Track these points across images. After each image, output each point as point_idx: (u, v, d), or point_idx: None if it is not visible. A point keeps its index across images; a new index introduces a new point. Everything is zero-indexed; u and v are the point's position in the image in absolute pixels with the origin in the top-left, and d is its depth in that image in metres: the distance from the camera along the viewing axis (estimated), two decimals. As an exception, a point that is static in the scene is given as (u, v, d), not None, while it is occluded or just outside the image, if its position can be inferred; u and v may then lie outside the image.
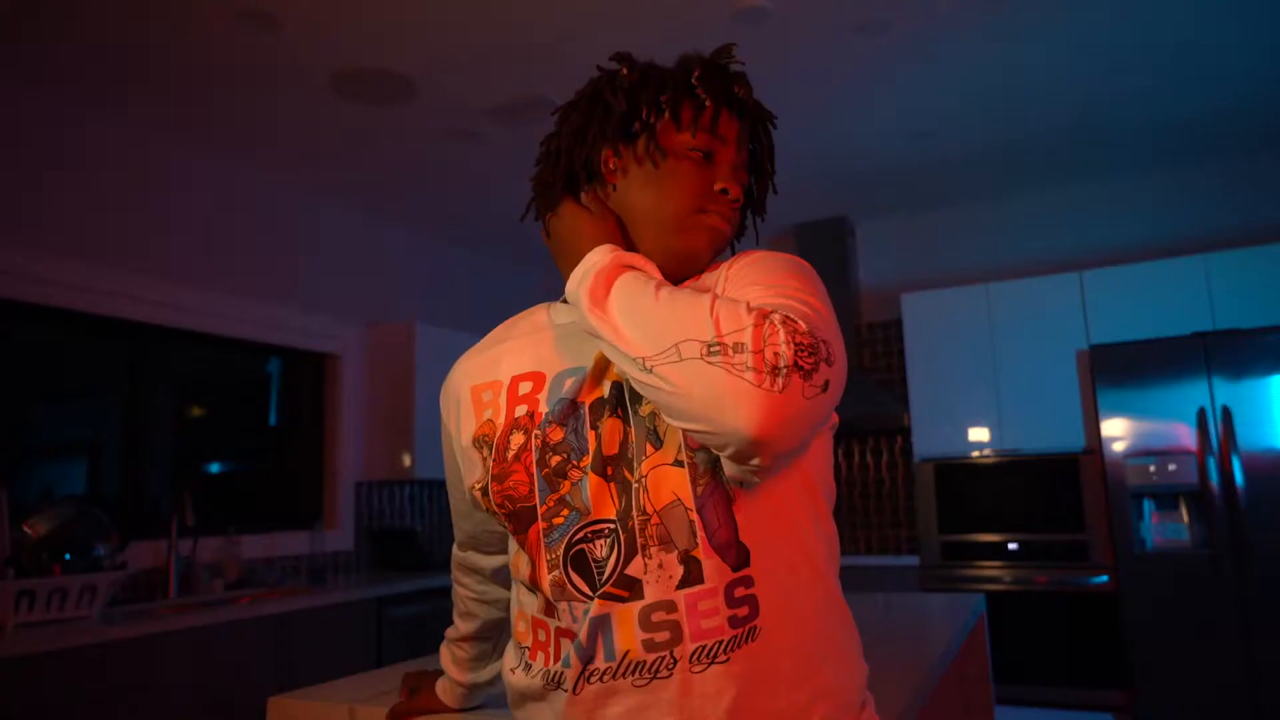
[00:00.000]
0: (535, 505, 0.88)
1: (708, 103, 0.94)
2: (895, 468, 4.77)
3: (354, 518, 4.26)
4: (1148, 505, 3.76)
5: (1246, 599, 3.45)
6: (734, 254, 0.94)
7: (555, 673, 0.85)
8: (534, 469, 0.89)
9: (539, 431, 0.89)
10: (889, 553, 4.57)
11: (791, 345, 0.73)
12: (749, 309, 0.76)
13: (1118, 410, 3.79)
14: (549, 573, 0.87)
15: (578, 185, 0.97)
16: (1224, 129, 3.88)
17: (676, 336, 0.75)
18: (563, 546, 0.86)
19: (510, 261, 5.59)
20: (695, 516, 0.81)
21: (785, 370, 0.73)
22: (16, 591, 2.49)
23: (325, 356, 4.31)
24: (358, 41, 2.86)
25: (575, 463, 0.86)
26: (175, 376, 3.72)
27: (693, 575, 0.80)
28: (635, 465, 0.83)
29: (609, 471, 0.84)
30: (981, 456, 4.17)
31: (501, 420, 0.93)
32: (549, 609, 0.87)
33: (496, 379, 0.96)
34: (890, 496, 4.76)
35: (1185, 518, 3.69)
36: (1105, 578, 3.82)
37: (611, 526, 0.83)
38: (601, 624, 0.82)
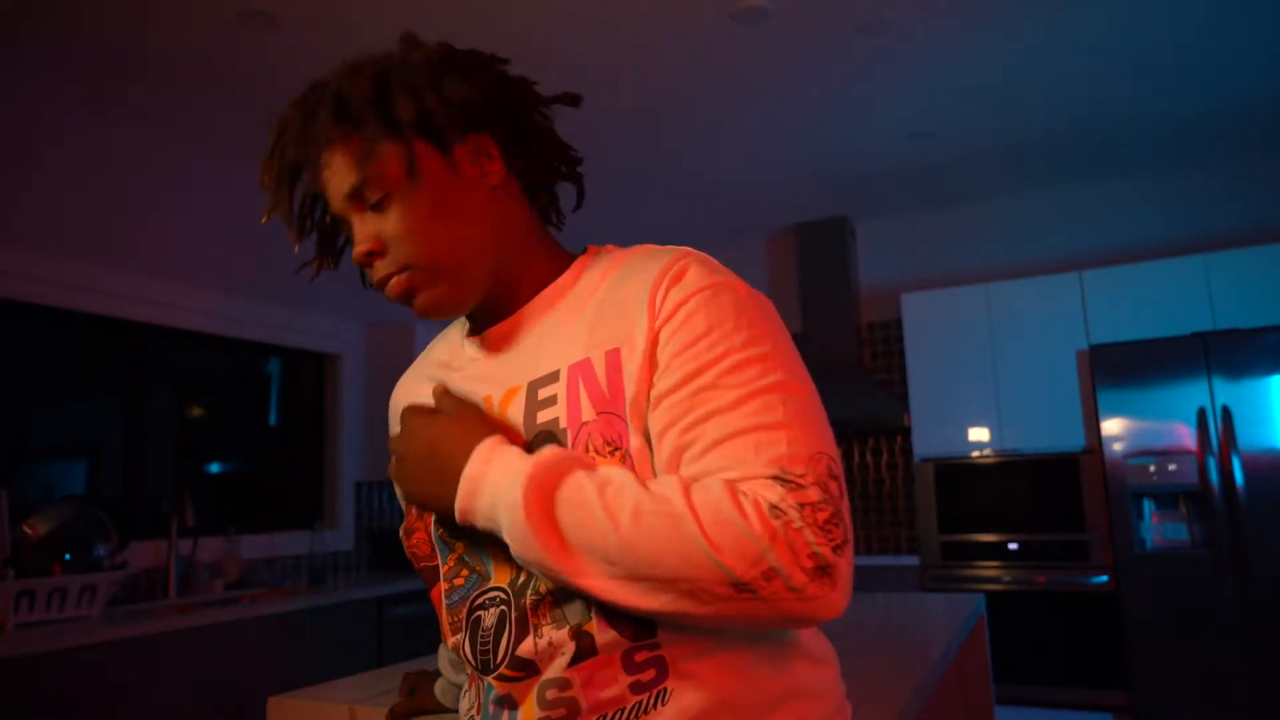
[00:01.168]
0: (437, 566, 0.83)
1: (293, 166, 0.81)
2: (895, 467, 4.77)
3: (354, 518, 4.26)
4: (1148, 505, 3.76)
5: (1246, 599, 3.45)
6: (667, 268, 0.77)
7: None
8: (431, 528, 0.83)
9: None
10: (889, 553, 4.57)
11: (823, 535, 0.65)
12: (747, 511, 0.64)
13: (1118, 410, 3.79)
14: (453, 635, 0.82)
15: None
16: (1224, 129, 3.88)
17: (684, 584, 0.65)
18: (464, 610, 0.80)
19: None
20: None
21: (828, 567, 0.65)
22: (17, 591, 2.49)
23: (325, 357, 4.31)
24: (356, 43, 2.86)
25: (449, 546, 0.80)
26: (176, 377, 3.73)
27: (585, 650, 0.73)
28: (521, 581, 0.76)
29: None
30: (981, 456, 4.17)
31: None
32: None
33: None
34: (890, 496, 4.77)
35: (1185, 518, 3.69)
36: (1105, 578, 3.82)
37: (504, 595, 0.76)
38: (505, 701, 0.77)
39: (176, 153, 3.57)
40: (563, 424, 0.75)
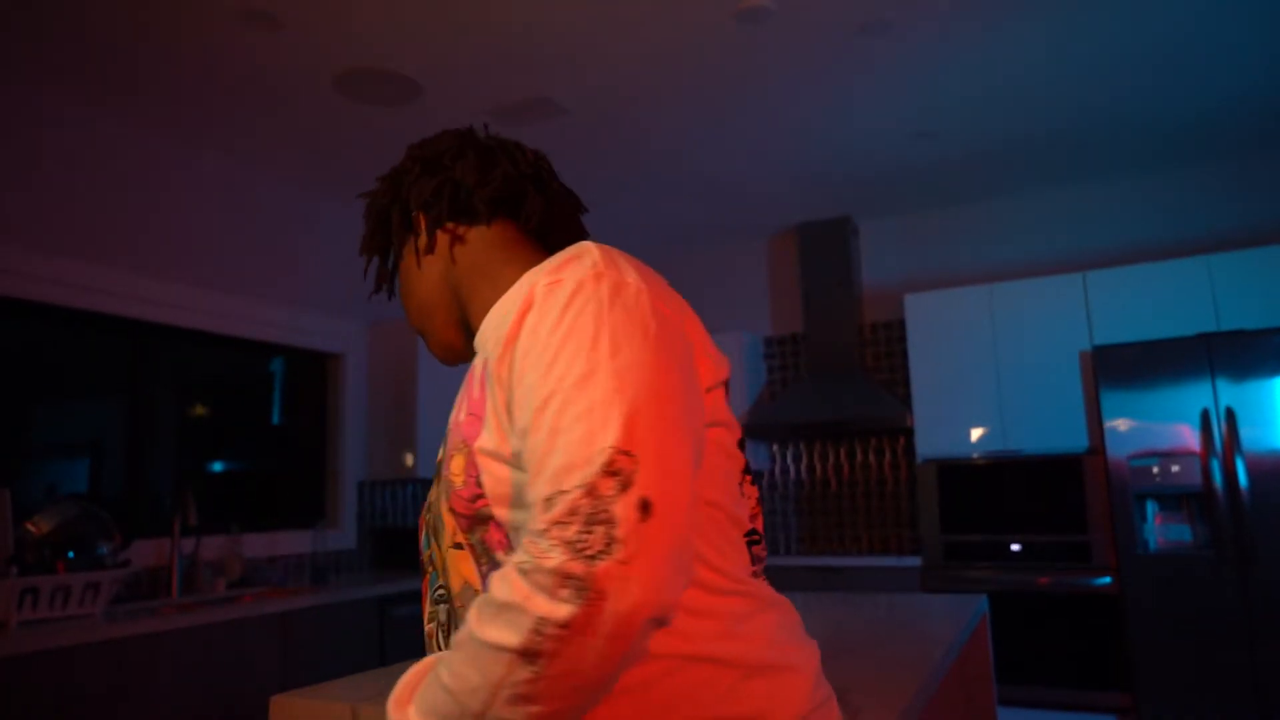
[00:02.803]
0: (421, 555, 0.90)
1: None
2: (898, 468, 4.77)
3: (356, 517, 4.27)
4: (1151, 506, 3.76)
5: (1250, 601, 3.45)
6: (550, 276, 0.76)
7: None
8: (422, 523, 0.90)
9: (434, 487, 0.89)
10: (891, 553, 4.57)
11: (570, 552, 0.60)
12: (501, 590, 0.63)
13: (1121, 411, 3.78)
14: (427, 624, 0.87)
15: None
16: (1228, 129, 3.87)
17: (495, 689, 0.63)
18: (428, 602, 0.87)
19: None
20: (482, 590, 0.74)
21: (581, 580, 0.60)
22: (20, 589, 2.49)
23: (328, 356, 4.32)
24: (360, 42, 2.86)
25: (432, 523, 0.86)
26: (178, 375, 3.73)
27: None
28: (441, 542, 0.81)
29: (442, 542, 0.83)
30: (984, 457, 4.16)
31: None
32: None
33: None
34: (893, 497, 4.76)
35: (1189, 519, 3.68)
36: (1108, 579, 3.82)
37: (445, 594, 0.82)
38: None
39: (180, 152, 3.57)
40: (451, 424, 0.83)
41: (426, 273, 0.94)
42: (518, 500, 0.73)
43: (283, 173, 3.95)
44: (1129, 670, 3.69)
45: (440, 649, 0.84)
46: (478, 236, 0.93)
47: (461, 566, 0.77)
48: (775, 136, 3.77)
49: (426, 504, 0.87)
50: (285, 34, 2.79)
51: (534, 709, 0.62)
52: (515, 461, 0.72)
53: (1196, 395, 3.65)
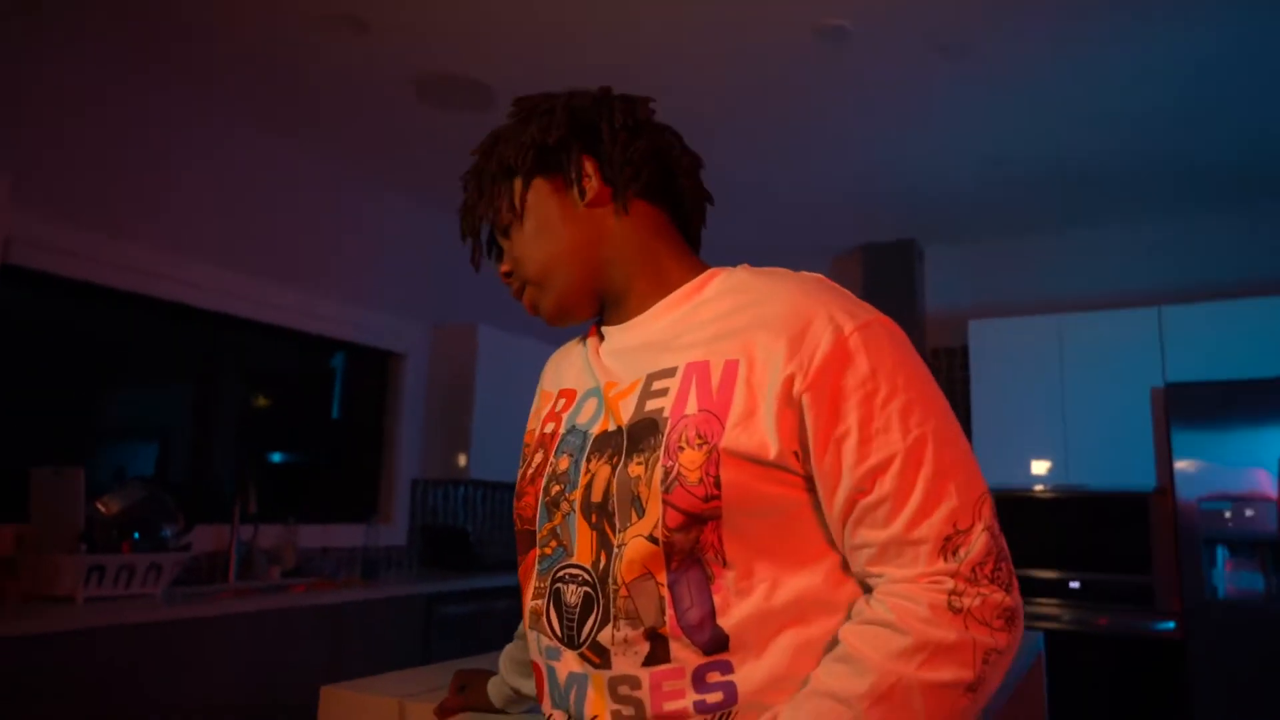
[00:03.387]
0: (535, 531, 0.87)
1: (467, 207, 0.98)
2: (954, 497, 4.66)
3: (408, 514, 4.33)
4: (1221, 552, 3.60)
5: (1325, 658, 3.28)
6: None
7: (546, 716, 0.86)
8: (540, 494, 0.87)
9: (553, 457, 0.88)
10: (943, 584, 4.46)
11: (996, 586, 0.74)
12: (936, 625, 0.71)
13: (1192, 452, 3.64)
14: (532, 600, 0.86)
15: None
16: (1320, 165, 3.72)
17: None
18: (549, 579, 0.84)
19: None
20: (666, 593, 0.75)
21: (1012, 610, 0.74)
22: (88, 566, 2.58)
23: (390, 354, 4.40)
24: (442, 48, 2.92)
25: (568, 495, 0.83)
26: (244, 367, 3.84)
27: (659, 654, 0.75)
28: (617, 528, 0.78)
29: (594, 519, 0.80)
30: (1045, 490, 4.05)
31: (536, 434, 0.94)
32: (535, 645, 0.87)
33: (549, 390, 0.99)
34: (947, 526, 4.65)
35: (1262, 568, 3.52)
36: (1172, 624, 3.67)
37: (587, 576, 0.80)
38: (578, 681, 0.81)
39: (262, 150, 3.68)
40: (666, 413, 0.79)
41: (580, 226, 0.90)
42: (804, 510, 0.78)
43: (359, 173, 4.04)
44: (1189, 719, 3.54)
45: (552, 629, 0.83)
46: (644, 213, 0.92)
47: (648, 556, 0.76)
48: (845, 156, 3.74)
49: (558, 482, 0.85)
50: (370, 37, 2.86)
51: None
52: (777, 472, 0.76)
53: (1275, 439, 3.49)
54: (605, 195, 0.90)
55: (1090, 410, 4.03)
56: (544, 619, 0.84)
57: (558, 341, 4.09)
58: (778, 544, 0.76)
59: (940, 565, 0.72)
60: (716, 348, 0.80)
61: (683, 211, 0.96)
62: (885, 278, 4.81)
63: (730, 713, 0.73)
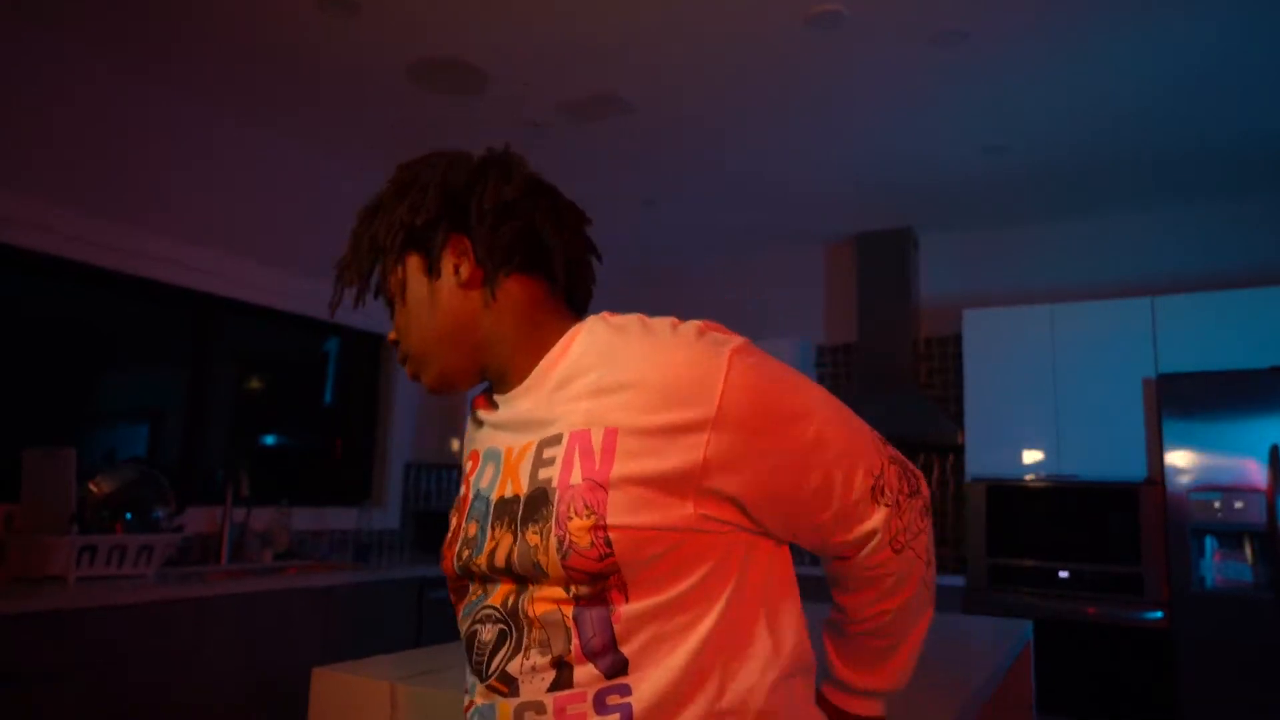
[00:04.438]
0: (459, 583, 0.92)
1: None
2: (946, 485, 4.68)
3: (401, 498, 4.33)
4: (1210, 542, 3.63)
5: (1310, 647, 3.32)
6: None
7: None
8: (455, 558, 0.91)
9: (465, 522, 0.91)
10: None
11: (907, 486, 0.92)
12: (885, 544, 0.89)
13: (1183, 442, 3.66)
14: (470, 627, 0.90)
15: None
16: (1316, 157, 3.72)
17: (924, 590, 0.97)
18: (470, 620, 0.89)
19: (569, 255, 5.62)
20: (571, 624, 0.80)
21: (918, 493, 0.94)
22: (80, 546, 2.58)
23: (383, 338, 4.39)
24: (435, 32, 2.90)
25: (475, 560, 0.87)
26: (237, 349, 3.82)
27: (563, 680, 0.80)
28: (528, 584, 0.83)
29: (503, 579, 0.86)
30: (1036, 480, 4.07)
31: (458, 497, 0.97)
32: None
33: (468, 449, 1.00)
34: (938, 515, 4.68)
35: (1250, 558, 3.55)
36: (1159, 614, 3.70)
37: (500, 615, 0.85)
38: (488, 713, 0.84)
39: (254, 133, 3.66)
40: (554, 483, 0.81)
41: (454, 307, 0.90)
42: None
43: (351, 156, 4.02)
44: (1176, 710, 3.58)
45: (470, 664, 0.88)
46: (519, 289, 0.90)
47: (554, 602, 0.81)
48: (840, 143, 3.73)
49: (468, 546, 0.89)
50: (362, 21, 2.84)
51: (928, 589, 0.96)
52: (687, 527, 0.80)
53: (1265, 430, 3.51)
54: (478, 277, 0.89)
55: (1082, 400, 4.05)
56: (469, 657, 0.89)
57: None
58: (671, 575, 0.80)
59: (879, 515, 0.87)
60: (595, 414, 0.82)
61: (561, 277, 0.93)
62: (879, 266, 4.81)
63: None
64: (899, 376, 4.65)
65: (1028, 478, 4.09)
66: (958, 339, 4.74)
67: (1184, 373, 3.72)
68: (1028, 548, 4.02)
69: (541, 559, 0.80)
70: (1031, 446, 4.13)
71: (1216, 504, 3.56)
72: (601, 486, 0.78)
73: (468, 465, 0.96)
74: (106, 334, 3.38)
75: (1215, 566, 3.61)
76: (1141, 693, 3.69)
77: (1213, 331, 3.82)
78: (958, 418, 4.61)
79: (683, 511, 0.78)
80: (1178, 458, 3.67)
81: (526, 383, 0.89)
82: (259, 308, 3.73)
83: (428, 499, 4.50)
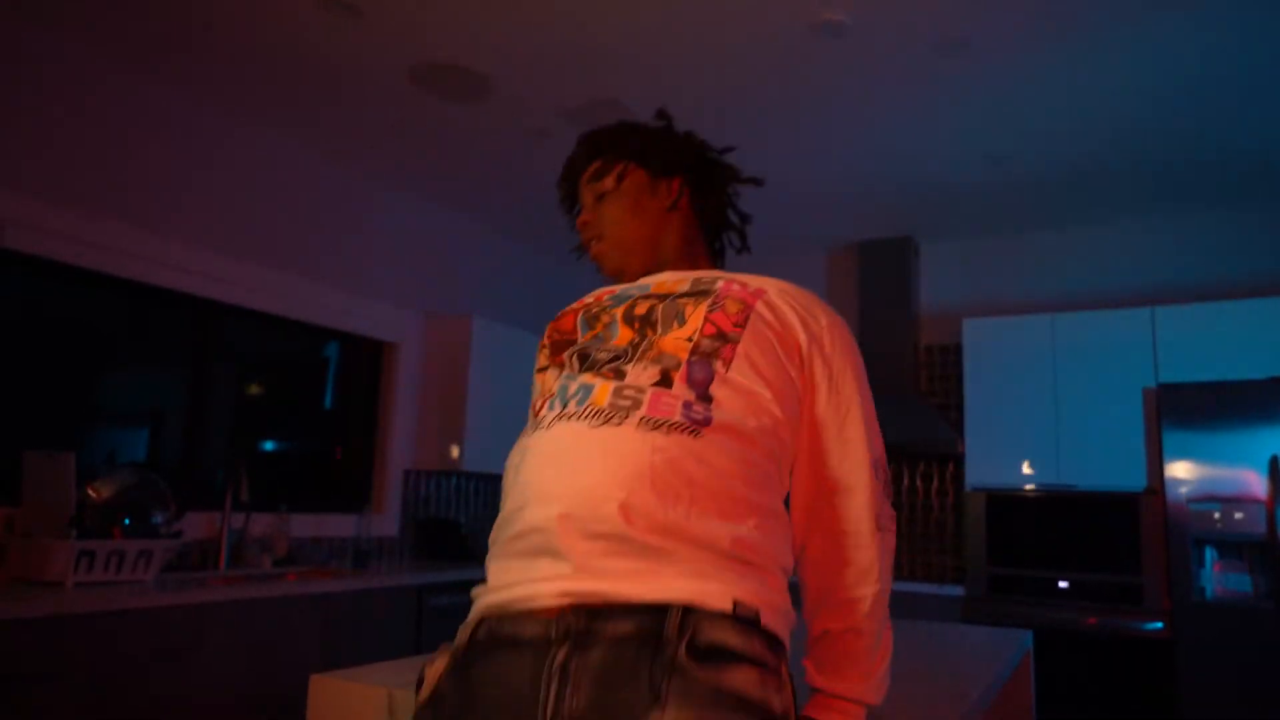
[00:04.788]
0: (576, 339, 1.15)
1: (566, 180, 1.31)
2: (945, 494, 4.68)
3: (400, 505, 4.33)
4: (1210, 553, 3.63)
5: (1310, 659, 3.31)
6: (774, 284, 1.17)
7: (538, 421, 1.08)
8: (580, 313, 1.17)
9: (594, 302, 1.18)
10: (933, 580, 4.48)
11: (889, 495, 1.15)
12: (883, 595, 1.08)
13: (1184, 452, 3.66)
14: (561, 370, 1.13)
15: None
16: (1316, 168, 3.73)
17: (886, 600, 1.10)
18: (580, 351, 1.12)
19: (568, 263, 5.63)
20: (684, 358, 1.04)
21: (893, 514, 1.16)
22: (78, 551, 2.57)
23: (383, 344, 4.39)
24: (438, 36, 2.91)
25: (610, 310, 1.14)
26: (238, 354, 3.83)
27: (665, 383, 1.02)
28: (658, 331, 1.08)
29: (635, 325, 1.10)
30: (1036, 489, 4.06)
31: (570, 315, 1.21)
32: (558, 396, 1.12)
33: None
34: (938, 524, 4.67)
35: (1249, 569, 3.55)
36: (1160, 624, 3.69)
37: (620, 350, 1.08)
38: (586, 388, 1.04)
39: (255, 136, 3.67)
40: (718, 285, 1.13)
41: (655, 218, 1.25)
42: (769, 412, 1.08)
43: (353, 161, 4.03)
44: (1176, 719, 3.57)
45: (572, 366, 1.11)
46: (690, 222, 1.29)
47: (677, 348, 1.06)
48: (842, 151, 3.74)
49: (598, 307, 1.17)
50: (365, 24, 2.85)
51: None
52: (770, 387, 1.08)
53: (1265, 441, 3.51)
54: (681, 208, 1.27)
55: (1082, 409, 4.05)
56: (566, 369, 1.10)
57: (552, 333, 3.95)
58: (762, 377, 1.06)
59: (878, 477, 1.13)
60: (747, 283, 1.14)
61: (714, 228, 1.33)
62: (881, 274, 4.82)
63: (702, 425, 0.99)
64: (899, 384, 4.65)
65: (1028, 487, 4.09)
66: (958, 347, 4.74)
67: (1184, 383, 3.72)
68: (1028, 557, 4.01)
69: (687, 309, 1.07)
70: (1032, 455, 4.12)
71: (1216, 514, 3.56)
72: (750, 304, 1.09)
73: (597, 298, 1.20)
74: (107, 337, 3.38)
75: (1215, 577, 3.60)
76: (1142, 703, 3.68)
77: (1213, 342, 3.82)
78: (958, 426, 4.61)
79: (791, 366, 1.09)
80: (1178, 468, 3.67)
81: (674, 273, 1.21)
82: (260, 313, 3.73)
83: (427, 505, 4.49)
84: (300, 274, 3.85)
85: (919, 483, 4.75)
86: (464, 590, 3.76)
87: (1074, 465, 4.02)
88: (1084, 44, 2.82)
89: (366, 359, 4.37)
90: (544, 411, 1.08)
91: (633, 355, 1.06)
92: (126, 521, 2.77)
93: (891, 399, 4.61)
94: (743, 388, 1.03)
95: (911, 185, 4.10)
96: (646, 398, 1.00)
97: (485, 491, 4.88)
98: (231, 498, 3.38)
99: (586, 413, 1.01)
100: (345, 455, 4.29)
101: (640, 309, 1.11)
